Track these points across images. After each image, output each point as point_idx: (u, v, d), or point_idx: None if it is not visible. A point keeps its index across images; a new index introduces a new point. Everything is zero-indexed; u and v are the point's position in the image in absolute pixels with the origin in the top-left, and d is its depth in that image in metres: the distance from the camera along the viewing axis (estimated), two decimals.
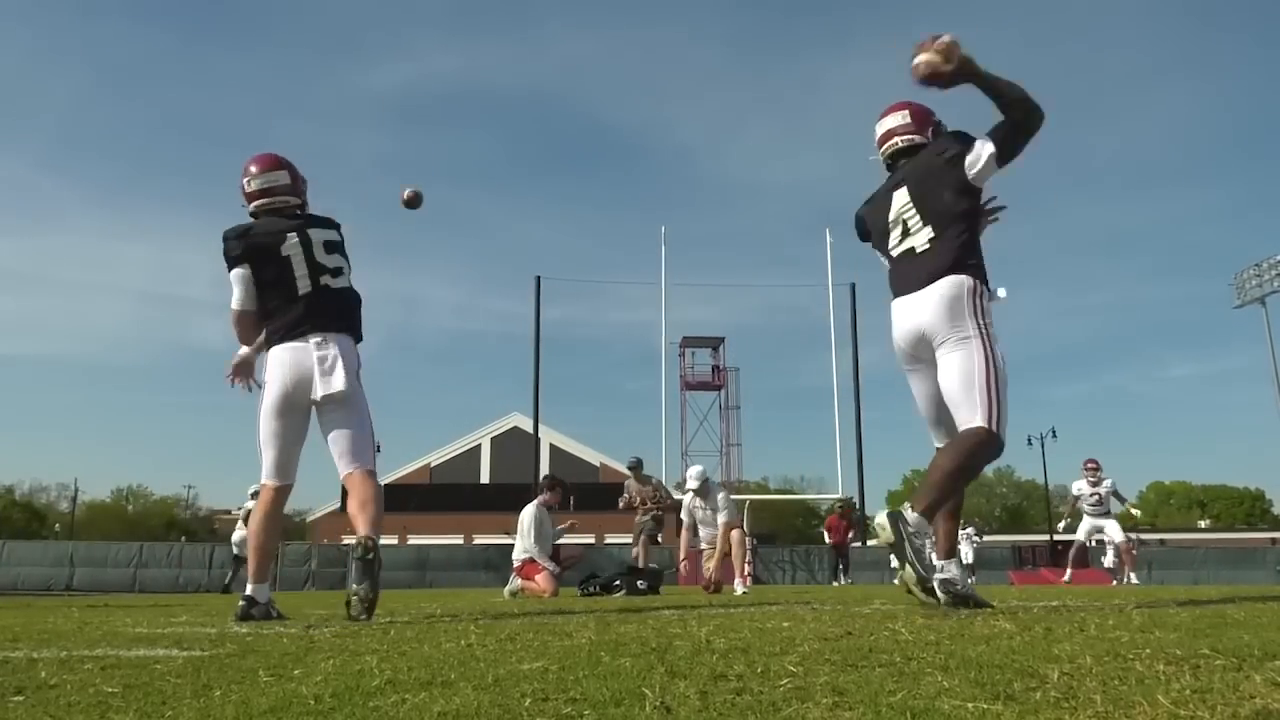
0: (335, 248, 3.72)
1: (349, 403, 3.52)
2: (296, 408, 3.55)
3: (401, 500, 36.71)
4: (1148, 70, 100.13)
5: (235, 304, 3.65)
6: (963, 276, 3.13)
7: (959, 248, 3.15)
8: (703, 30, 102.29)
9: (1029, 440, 37.62)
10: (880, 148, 3.45)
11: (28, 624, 3.56)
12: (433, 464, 42.76)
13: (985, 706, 1.12)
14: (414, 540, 30.43)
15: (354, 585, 3.26)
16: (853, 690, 1.26)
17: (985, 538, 23.58)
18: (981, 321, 3.12)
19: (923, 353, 3.23)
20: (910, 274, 3.22)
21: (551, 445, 39.11)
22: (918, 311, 3.18)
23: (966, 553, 20.57)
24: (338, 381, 3.47)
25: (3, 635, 2.79)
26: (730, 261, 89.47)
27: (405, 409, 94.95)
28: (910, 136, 3.39)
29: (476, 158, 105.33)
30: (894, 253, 3.30)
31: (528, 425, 30.11)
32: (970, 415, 3.02)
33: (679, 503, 10.00)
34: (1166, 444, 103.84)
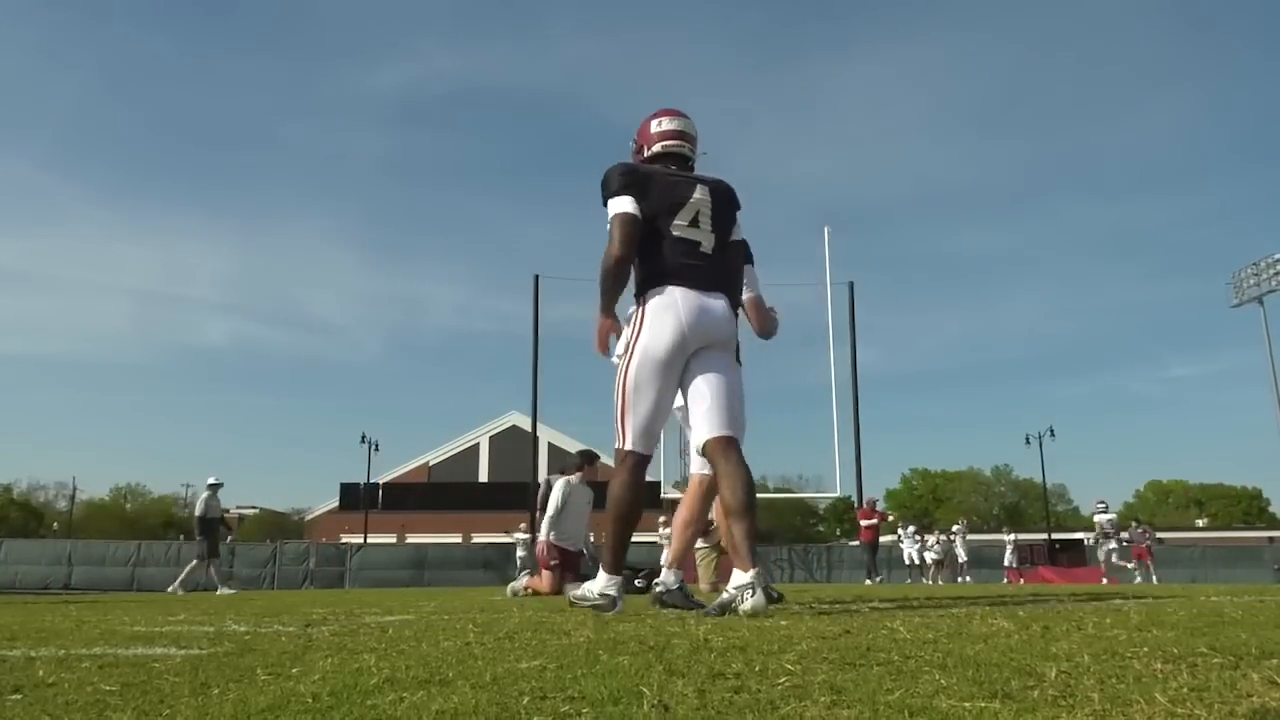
0: None
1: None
2: None
3: (400, 499, 36.73)
4: (1149, 73, 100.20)
5: None
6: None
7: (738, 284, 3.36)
8: (704, 31, 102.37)
9: (1027, 439, 37.61)
10: (669, 140, 3.35)
11: (25, 622, 3.56)
12: (431, 463, 42.74)
13: (983, 705, 1.12)
14: (412, 539, 30.43)
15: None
16: (850, 688, 1.27)
17: (975, 535, 23.53)
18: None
19: (686, 354, 3.15)
20: (702, 273, 3.15)
21: (550, 444, 39.11)
22: (716, 319, 3.13)
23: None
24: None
25: (1, 633, 2.79)
26: None
27: (405, 408, 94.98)
28: (694, 152, 3.40)
29: (477, 157, 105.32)
30: (675, 233, 3.15)
31: (526, 424, 30.12)
32: (735, 428, 3.12)
33: None
34: (1163, 443, 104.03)
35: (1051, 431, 36.96)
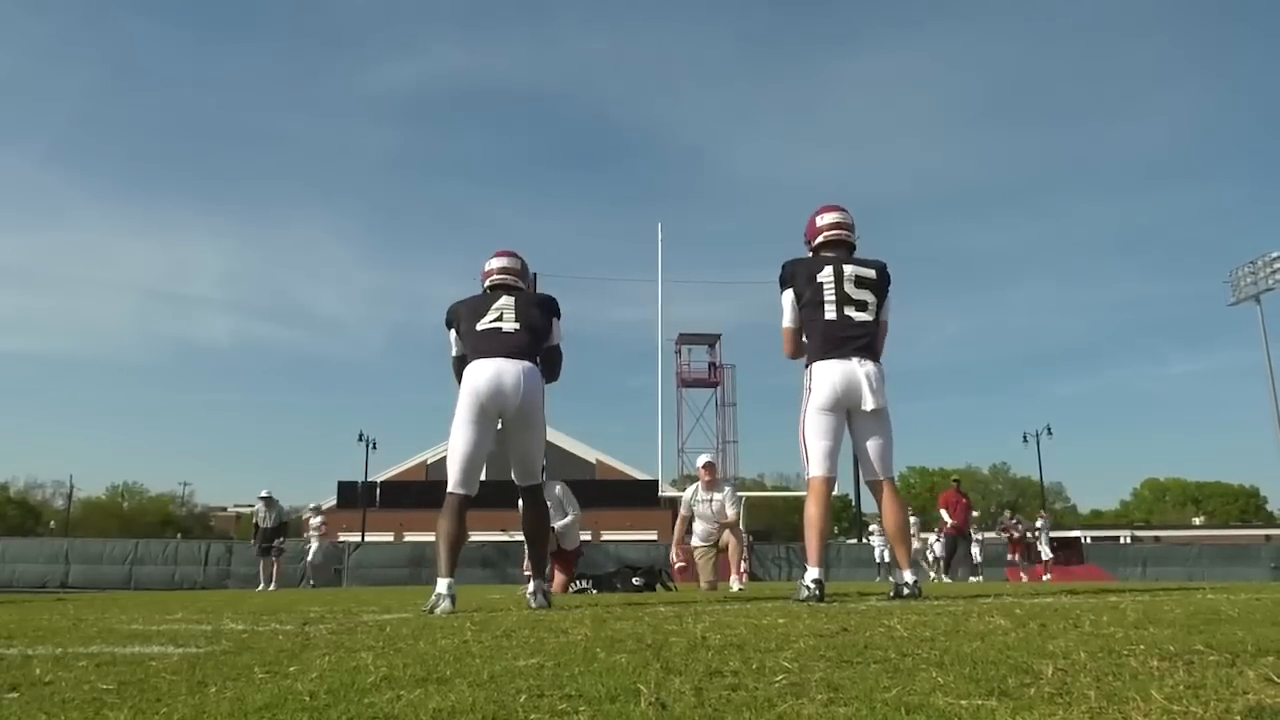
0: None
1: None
2: None
3: (398, 497, 36.71)
4: (1150, 70, 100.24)
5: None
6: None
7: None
8: (708, 29, 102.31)
9: (1024, 437, 37.65)
10: (494, 275, 4.43)
11: (23, 621, 3.55)
12: (428, 461, 42.69)
13: (980, 703, 1.12)
14: (410, 537, 30.41)
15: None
16: (847, 686, 1.27)
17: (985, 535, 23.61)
18: None
19: (492, 412, 4.09)
20: (503, 346, 4.13)
21: (547, 442, 39.05)
22: (506, 381, 4.04)
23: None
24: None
25: None
26: (728, 258, 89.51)
27: (402, 406, 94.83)
28: (517, 279, 4.46)
29: (479, 154, 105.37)
30: (480, 328, 4.18)
31: None
32: (532, 479, 4.32)
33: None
34: (1161, 440, 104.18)
35: (1049, 429, 37.00)
